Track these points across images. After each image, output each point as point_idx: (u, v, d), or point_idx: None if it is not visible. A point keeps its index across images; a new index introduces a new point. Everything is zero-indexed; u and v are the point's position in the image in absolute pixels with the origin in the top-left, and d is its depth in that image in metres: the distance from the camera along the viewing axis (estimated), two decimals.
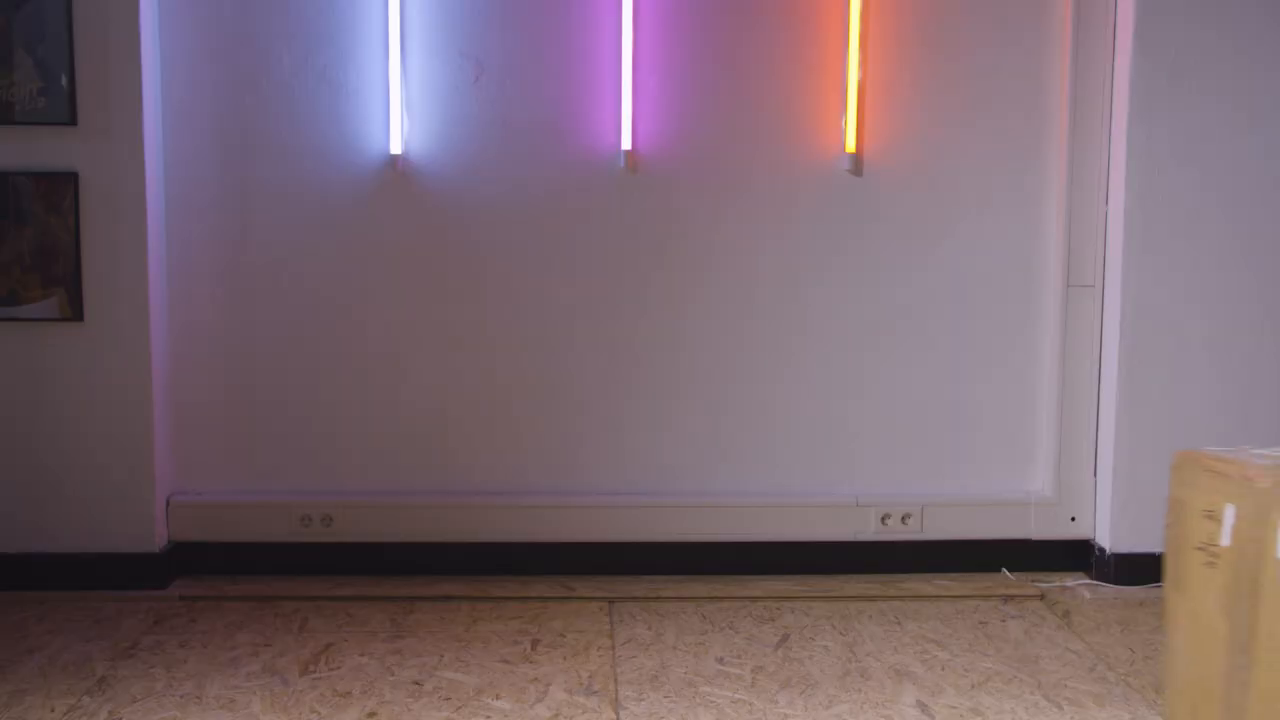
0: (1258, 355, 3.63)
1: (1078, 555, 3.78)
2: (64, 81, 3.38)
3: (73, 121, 3.39)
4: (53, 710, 2.70)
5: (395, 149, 3.58)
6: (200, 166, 3.59)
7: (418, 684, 2.86)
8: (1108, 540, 3.68)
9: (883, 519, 3.71)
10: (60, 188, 3.41)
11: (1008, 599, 3.52)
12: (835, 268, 3.71)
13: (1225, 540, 2.10)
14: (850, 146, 3.64)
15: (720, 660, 3.04)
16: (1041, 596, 3.54)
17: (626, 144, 3.60)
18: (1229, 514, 2.09)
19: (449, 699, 2.78)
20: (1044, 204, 3.71)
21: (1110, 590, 3.62)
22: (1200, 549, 2.14)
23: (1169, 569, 2.25)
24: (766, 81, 3.64)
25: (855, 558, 3.72)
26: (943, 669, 2.99)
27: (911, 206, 3.69)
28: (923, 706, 2.77)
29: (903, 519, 3.72)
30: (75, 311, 3.45)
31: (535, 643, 3.14)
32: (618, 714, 2.70)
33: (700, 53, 3.63)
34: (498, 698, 2.79)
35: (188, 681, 2.87)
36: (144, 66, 3.41)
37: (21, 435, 3.49)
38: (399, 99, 3.56)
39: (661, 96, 3.63)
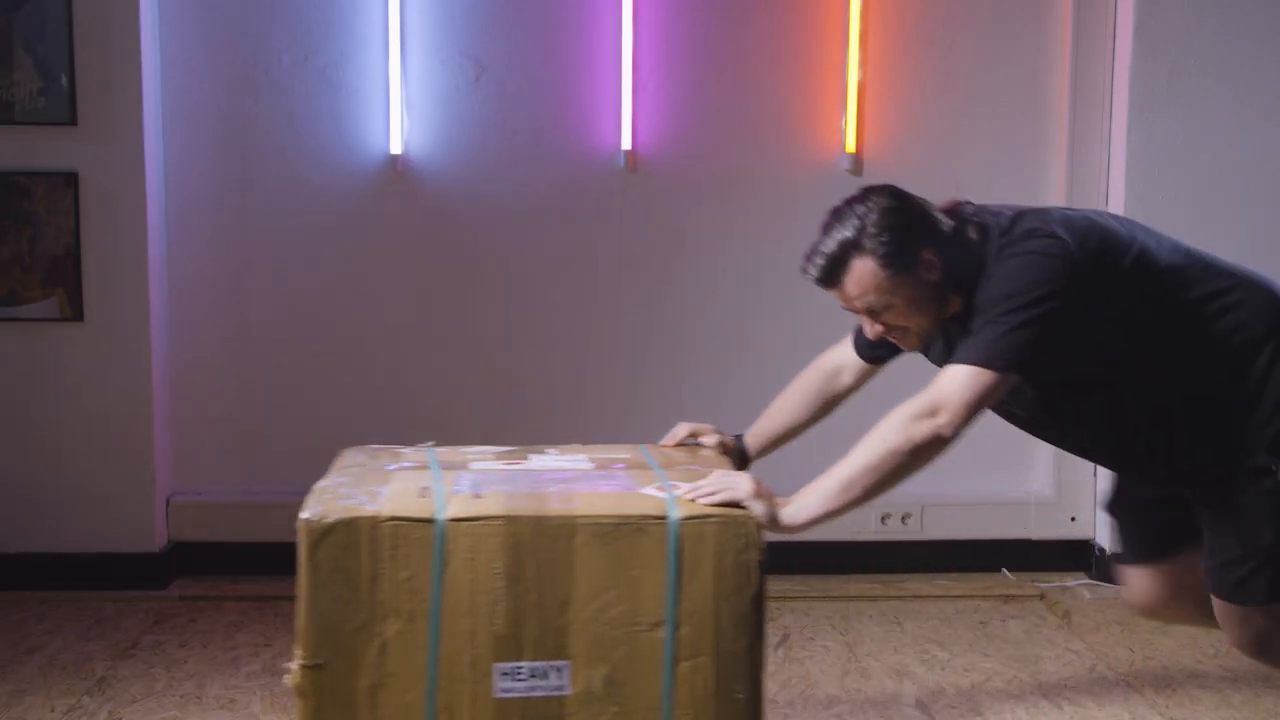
0: None
1: (1078, 555, 3.78)
2: (64, 81, 3.38)
3: (73, 121, 3.39)
4: (53, 710, 2.70)
5: (395, 149, 3.58)
6: (200, 167, 3.59)
7: None
8: (1107, 540, 3.68)
9: (882, 519, 3.71)
10: (60, 188, 3.41)
11: (1007, 599, 3.52)
12: None
13: None
14: (850, 146, 3.63)
15: None
16: (1041, 596, 3.54)
17: (626, 144, 3.60)
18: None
19: None
20: (1044, 203, 3.70)
21: (1110, 590, 3.61)
22: None
23: None
24: (767, 81, 3.64)
25: (855, 558, 3.72)
26: (943, 669, 2.99)
27: None
28: (923, 706, 2.77)
29: (903, 519, 3.72)
30: (75, 311, 3.44)
31: None
32: None
33: (700, 52, 3.63)
34: None
35: (188, 681, 2.86)
36: (144, 66, 3.41)
37: (21, 435, 3.49)
38: (399, 99, 3.56)
39: (661, 96, 3.63)
